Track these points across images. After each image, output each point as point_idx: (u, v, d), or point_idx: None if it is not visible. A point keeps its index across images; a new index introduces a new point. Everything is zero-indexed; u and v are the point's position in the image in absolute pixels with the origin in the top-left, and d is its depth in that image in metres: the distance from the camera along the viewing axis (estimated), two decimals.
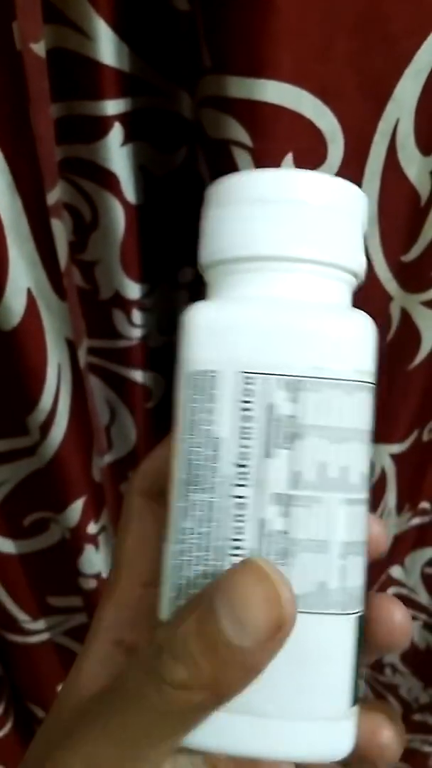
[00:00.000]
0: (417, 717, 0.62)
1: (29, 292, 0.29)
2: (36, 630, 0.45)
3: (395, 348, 0.38)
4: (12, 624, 0.44)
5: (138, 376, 0.41)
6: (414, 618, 0.57)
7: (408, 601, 0.56)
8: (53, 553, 0.42)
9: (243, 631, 0.15)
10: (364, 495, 0.18)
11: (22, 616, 0.43)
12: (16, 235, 0.28)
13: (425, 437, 0.44)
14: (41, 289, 0.30)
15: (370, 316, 0.19)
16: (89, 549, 0.40)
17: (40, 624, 0.45)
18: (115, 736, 0.16)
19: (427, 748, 0.63)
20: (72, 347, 0.34)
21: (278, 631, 0.15)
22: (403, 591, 0.56)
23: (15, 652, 0.45)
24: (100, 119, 0.31)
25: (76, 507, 0.38)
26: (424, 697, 0.60)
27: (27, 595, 0.43)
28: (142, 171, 0.34)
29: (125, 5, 0.29)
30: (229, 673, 0.15)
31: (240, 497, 0.18)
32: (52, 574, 0.43)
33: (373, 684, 0.62)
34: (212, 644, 0.15)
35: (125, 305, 0.37)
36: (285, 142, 0.29)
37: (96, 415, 0.42)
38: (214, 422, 0.18)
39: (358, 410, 0.18)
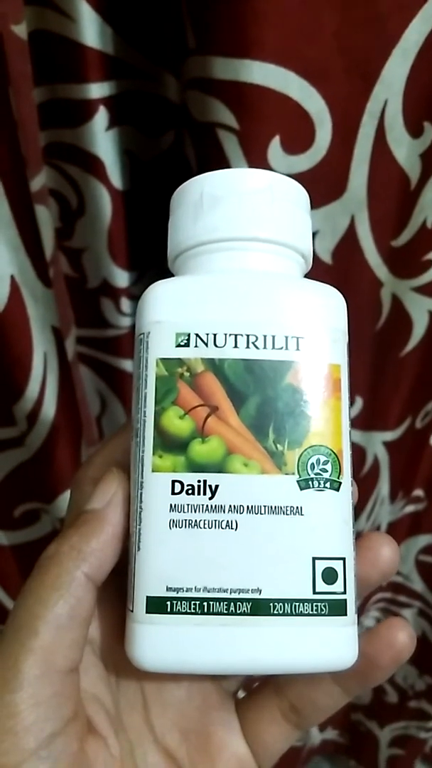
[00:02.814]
0: (413, 704, 0.62)
1: (12, 279, 0.29)
2: None
3: (386, 335, 0.38)
4: (4, 615, 0.44)
5: (128, 365, 0.40)
6: (408, 605, 0.57)
7: (402, 589, 0.56)
8: (45, 544, 0.41)
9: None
10: None
11: None
12: None
13: (418, 424, 0.44)
14: (25, 276, 0.30)
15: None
16: None
17: None
18: None
19: (423, 735, 0.64)
20: (58, 335, 0.33)
21: None
22: (398, 579, 0.56)
23: None
24: (84, 103, 0.31)
25: (66, 497, 0.38)
26: (420, 684, 0.61)
27: (19, 585, 0.43)
28: (128, 156, 0.33)
29: None
30: None
31: None
32: None
33: None
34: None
35: (114, 293, 0.37)
36: (272, 124, 0.28)
37: (85, 405, 0.41)
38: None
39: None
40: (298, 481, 0.18)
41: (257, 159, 0.29)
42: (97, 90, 0.31)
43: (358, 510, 0.20)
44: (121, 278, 0.36)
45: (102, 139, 0.32)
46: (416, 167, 0.31)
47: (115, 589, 0.20)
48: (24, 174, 0.29)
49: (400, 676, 0.62)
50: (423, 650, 0.59)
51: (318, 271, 0.22)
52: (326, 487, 0.19)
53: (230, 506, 0.18)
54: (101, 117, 0.31)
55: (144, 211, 0.35)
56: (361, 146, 0.30)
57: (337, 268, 0.34)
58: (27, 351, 0.31)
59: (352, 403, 0.22)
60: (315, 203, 0.28)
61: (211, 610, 0.18)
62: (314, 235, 0.27)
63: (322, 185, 0.31)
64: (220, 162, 0.29)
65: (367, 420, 0.42)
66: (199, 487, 0.18)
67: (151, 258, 0.37)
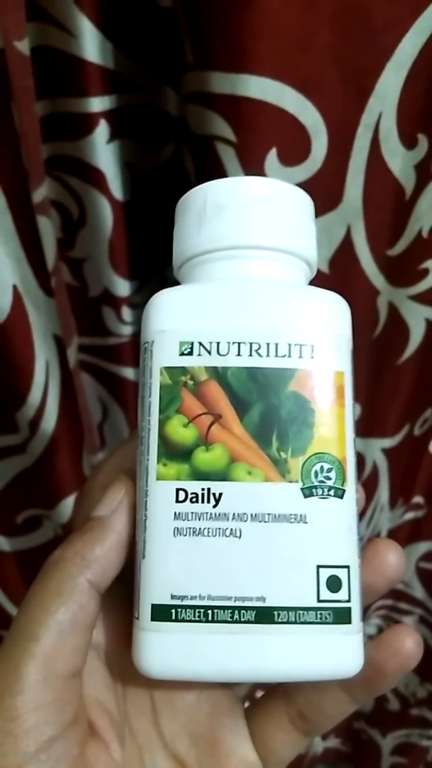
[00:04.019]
0: (414, 711, 0.62)
1: (15, 288, 0.29)
2: None
3: (384, 343, 0.38)
4: (7, 621, 0.44)
5: (129, 373, 0.41)
6: (409, 613, 0.57)
7: (403, 596, 0.56)
8: (47, 550, 0.42)
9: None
10: None
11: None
12: (0, 232, 0.28)
13: (417, 431, 0.45)
14: (27, 285, 0.30)
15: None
16: None
17: None
18: None
19: (425, 743, 0.63)
20: (60, 344, 0.34)
21: None
22: (399, 586, 0.56)
23: None
24: (85, 116, 0.31)
25: (68, 503, 0.38)
26: (422, 692, 0.60)
27: (22, 592, 0.43)
28: (128, 168, 0.34)
29: (108, 2, 0.29)
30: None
31: None
32: None
33: None
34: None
35: (115, 302, 0.37)
36: (268, 137, 0.29)
37: (87, 413, 0.42)
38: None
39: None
40: (301, 489, 0.18)
41: (254, 171, 0.29)
42: (98, 104, 0.31)
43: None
44: (122, 287, 0.37)
45: (103, 152, 0.32)
46: (411, 178, 0.32)
47: (123, 595, 0.20)
48: (26, 186, 0.29)
49: (402, 684, 0.61)
50: (425, 658, 0.58)
51: (315, 281, 0.22)
52: (330, 495, 0.19)
53: (234, 514, 0.18)
54: (102, 130, 0.32)
55: (144, 222, 0.36)
56: (356, 158, 0.30)
57: (334, 277, 0.34)
58: (29, 359, 0.31)
59: None
60: None
61: (216, 617, 0.18)
62: None
63: (319, 196, 0.31)
64: (218, 174, 0.30)
65: (366, 427, 0.43)
66: (203, 495, 0.18)
67: (152, 267, 0.38)
